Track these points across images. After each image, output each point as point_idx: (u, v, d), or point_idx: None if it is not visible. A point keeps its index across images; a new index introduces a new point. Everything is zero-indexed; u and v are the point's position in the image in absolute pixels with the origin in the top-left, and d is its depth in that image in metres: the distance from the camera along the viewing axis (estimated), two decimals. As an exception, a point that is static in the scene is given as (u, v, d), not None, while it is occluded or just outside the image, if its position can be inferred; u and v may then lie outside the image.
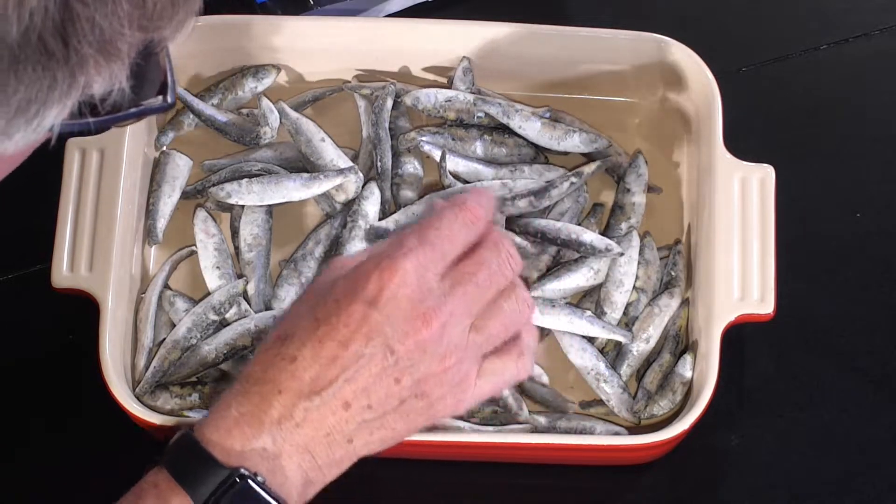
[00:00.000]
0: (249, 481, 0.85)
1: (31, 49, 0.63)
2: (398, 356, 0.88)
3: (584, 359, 1.08)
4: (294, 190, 1.11)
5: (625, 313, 1.11)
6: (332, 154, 1.13)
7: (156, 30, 0.66)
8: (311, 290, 0.91)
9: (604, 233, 1.13)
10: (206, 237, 1.12)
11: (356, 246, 1.10)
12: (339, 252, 1.10)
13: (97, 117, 0.68)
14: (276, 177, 1.12)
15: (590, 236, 1.10)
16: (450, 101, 1.14)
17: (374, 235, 1.10)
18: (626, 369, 1.09)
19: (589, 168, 1.13)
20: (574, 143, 1.14)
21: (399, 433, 0.90)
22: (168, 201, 1.14)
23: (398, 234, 0.91)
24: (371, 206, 1.12)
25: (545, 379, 1.09)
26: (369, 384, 0.88)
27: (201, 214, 1.13)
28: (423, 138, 1.14)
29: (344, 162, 1.13)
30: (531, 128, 1.14)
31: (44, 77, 0.64)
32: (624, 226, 1.12)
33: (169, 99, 0.73)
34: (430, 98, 1.14)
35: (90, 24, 0.63)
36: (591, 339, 1.09)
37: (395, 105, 1.15)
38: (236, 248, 1.13)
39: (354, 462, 0.90)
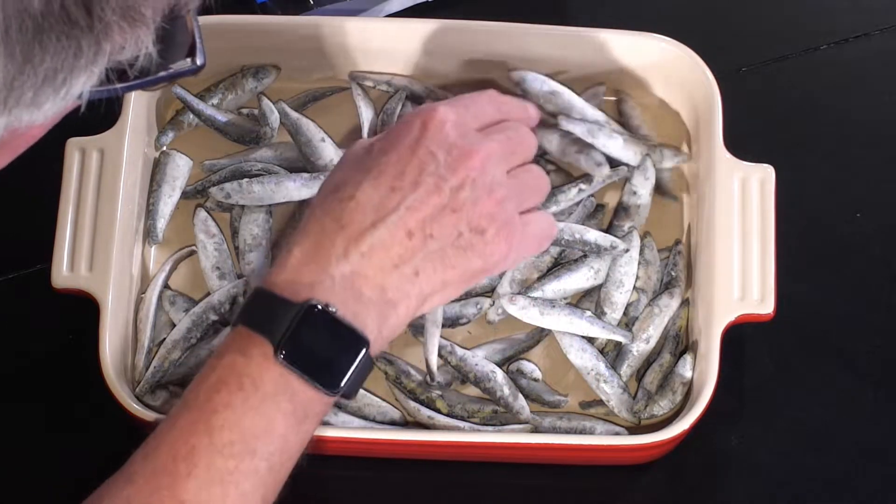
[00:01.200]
0: (323, 312, 0.86)
1: (54, 18, 0.63)
2: (451, 185, 0.92)
3: (584, 359, 1.08)
4: (294, 190, 1.11)
5: (625, 313, 1.10)
6: (331, 154, 1.13)
7: None
8: (345, 158, 0.95)
9: (605, 233, 1.12)
10: (206, 237, 1.12)
11: None
12: None
13: (125, 83, 0.68)
14: (276, 177, 1.12)
15: (593, 234, 1.10)
16: (553, 93, 1.14)
17: None
18: (626, 369, 1.09)
19: (600, 176, 1.12)
20: (657, 158, 1.14)
21: (459, 275, 0.92)
22: (168, 201, 1.14)
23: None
24: None
25: (537, 374, 1.09)
26: (428, 213, 0.91)
27: (201, 214, 1.13)
28: None
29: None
30: (614, 145, 1.13)
31: (69, 46, 0.64)
32: (626, 226, 1.12)
33: (198, 61, 0.73)
34: (537, 83, 1.14)
35: None
36: (591, 340, 1.09)
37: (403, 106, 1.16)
38: (236, 248, 1.13)
39: (422, 307, 0.92)
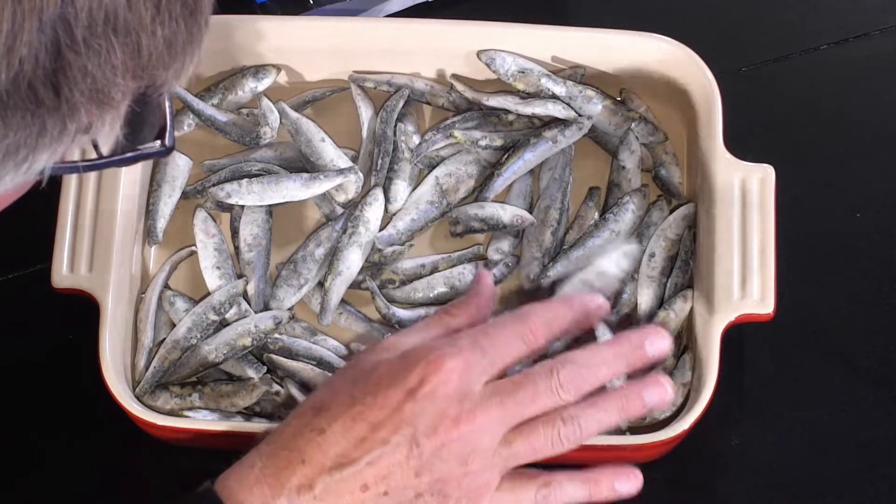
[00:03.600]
0: None
1: (20, 96, 0.62)
2: (423, 450, 0.89)
3: None
4: (294, 190, 1.11)
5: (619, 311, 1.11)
6: (332, 154, 1.13)
7: (151, 78, 0.65)
8: (354, 364, 0.94)
9: (603, 212, 1.13)
10: (206, 237, 1.12)
11: (354, 252, 1.10)
12: (337, 257, 1.10)
13: (90, 161, 0.68)
14: (276, 177, 1.12)
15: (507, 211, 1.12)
16: (523, 71, 1.14)
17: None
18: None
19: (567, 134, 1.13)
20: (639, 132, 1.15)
21: None
22: (168, 201, 1.13)
23: (453, 335, 0.92)
24: (373, 212, 1.12)
25: None
26: (390, 472, 0.89)
27: (201, 214, 1.13)
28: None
29: (344, 162, 1.13)
30: (592, 109, 1.14)
31: (33, 124, 0.63)
32: (625, 198, 1.13)
33: (167, 143, 0.72)
34: (507, 62, 1.14)
35: (82, 74, 0.62)
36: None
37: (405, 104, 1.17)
38: (236, 248, 1.13)
39: None
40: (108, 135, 0.66)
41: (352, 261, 1.11)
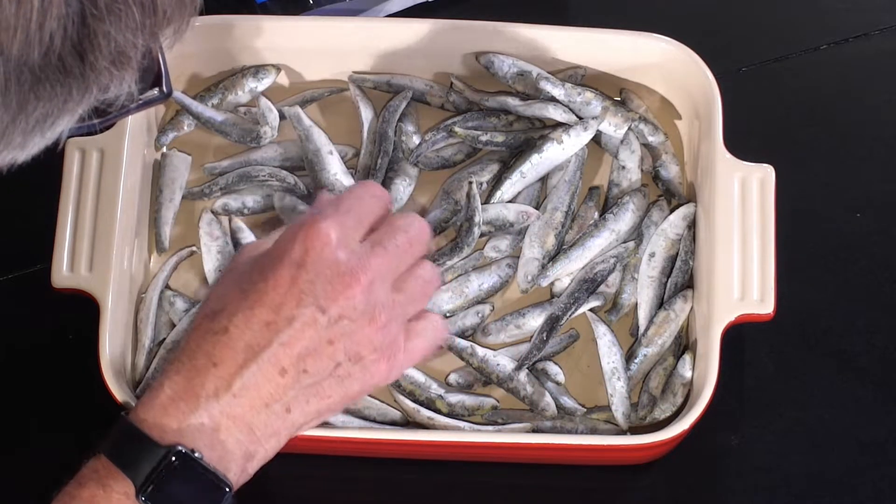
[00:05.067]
0: (187, 458, 0.85)
1: (51, 69, 0.64)
2: (330, 316, 0.88)
3: (612, 352, 1.08)
4: None
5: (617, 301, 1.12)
6: (336, 168, 1.13)
7: (164, 34, 0.67)
8: (230, 269, 0.92)
9: (603, 212, 1.13)
10: (210, 240, 1.12)
11: None
12: None
13: (103, 117, 0.69)
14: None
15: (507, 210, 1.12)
16: (522, 74, 1.14)
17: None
18: (633, 371, 1.09)
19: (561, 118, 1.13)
20: (638, 132, 1.15)
21: (335, 402, 0.90)
22: (170, 205, 1.13)
23: (313, 209, 0.93)
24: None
25: (561, 378, 1.09)
26: (304, 348, 0.88)
27: (206, 217, 1.13)
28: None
29: (347, 178, 1.13)
30: (591, 112, 1.14)
31: (61, 93, 0.65)
32: (625, 199, 1.13)
33: (165, 89, 0.73)
34: (505, 65, 1.14)
35: (106, 39, 0.64)
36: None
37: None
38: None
39: (293, 435, 0.90)
40: (121, 91, 0.67)
41: None
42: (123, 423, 0.87)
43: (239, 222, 1.13)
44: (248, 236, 1.12)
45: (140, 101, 0.72)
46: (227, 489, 0.86)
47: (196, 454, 0.85)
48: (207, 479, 0.86)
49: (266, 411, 0.88)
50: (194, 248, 1.13)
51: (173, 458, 0.85)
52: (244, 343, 0.87)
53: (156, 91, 0.73)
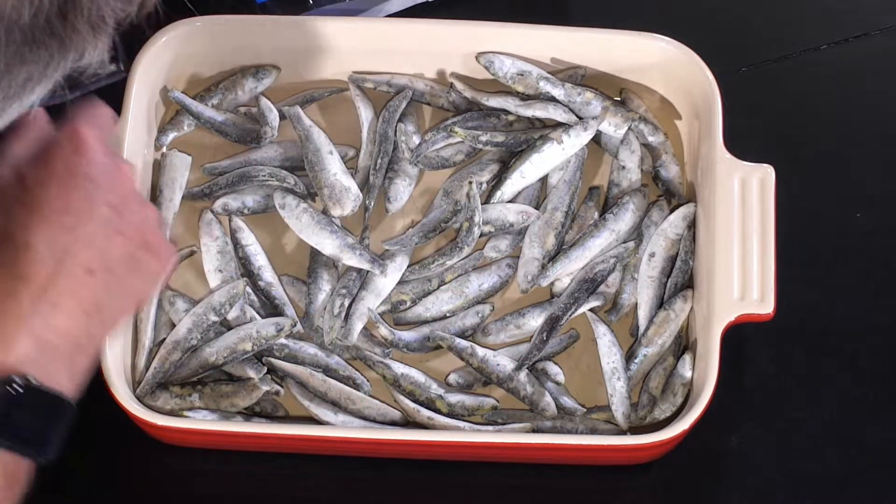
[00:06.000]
0: (22, 387, 0.83)
1: (38, 30, 0.64)
2: (115, 208, 0.89)
3: (612, 352, 1.09)
4: (328, 244, 1.11)
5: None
6: (336, 168, 1.13)
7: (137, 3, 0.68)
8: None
9: (603, 212, 1.14)
10: (210, 240, 1.12)
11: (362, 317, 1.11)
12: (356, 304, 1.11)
13: (73, 90, 0.70)
14: (321, 220, 1.11)
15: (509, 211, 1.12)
16: (522, 74, 1.14)
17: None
18: (633, 371, 1.09)
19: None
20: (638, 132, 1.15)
21: (140, 292, 0.91)
22: (170, 206, 1.13)
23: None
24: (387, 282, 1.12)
25: (561, 378, 1.09)
26: (102, 245, 0.88)
27: (206, 217, 1.13)
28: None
29: (347, 179, 1.12)
30: (591, 112, 1.14)
31: (44, 57, 0.65)
32: (624, 198, 1.13)
33: (121, 66, 0.74)
34: (505, 65, 1.14)
35: (89, 1, 0.65)
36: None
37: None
38: (239, 257, 1.13)
39: (103, 339, 0.90)
40: (94, 58, 0.69)
41: (383, 285, 1.12)
42: None
43: (239, 222, 1.13)
44: (247, 236, 1.12)
45: (103, 75, 0.73)
46: (67, 406, 0.85)
47: (30, 379, 0.83)
48: (45, 402, 0.84)
49: (84, 317, 0.86)
50: (194, 248, 1.13)
51: (9, 391, 0.83)
52: (48, 253, 0.86)
53: (113, 66, 0.73)
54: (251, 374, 1.08)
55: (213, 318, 1.09)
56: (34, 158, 0.89)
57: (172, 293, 1.11)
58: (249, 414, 1.08)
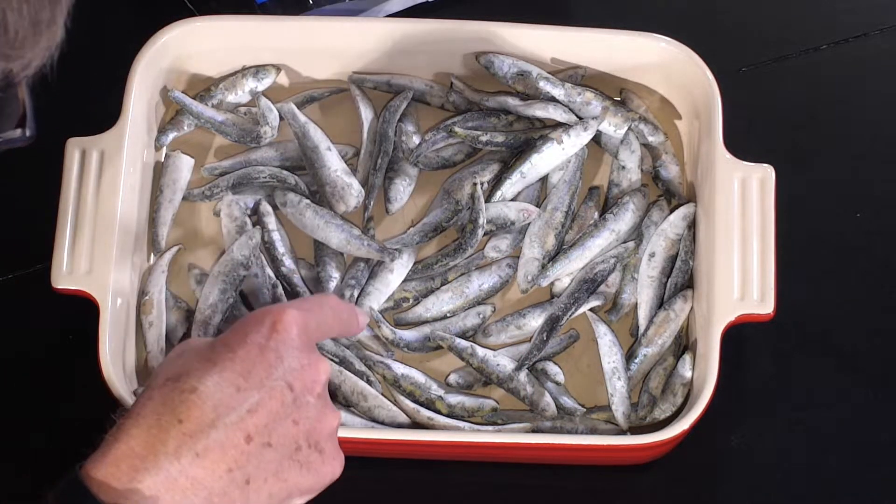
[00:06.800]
0: None
1: None
2: (296, 394, 0.88)
3: (612, 352, 1.09)
4: (333, 238, 1.11)
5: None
6: (335, 164, 1.13)
7: (18, 58, 0.64)
8: (186, 346, 0.91)
9: (603, 212, 1.14)
10: (230, 221, 1.13)
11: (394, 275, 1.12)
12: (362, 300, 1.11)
13: None
14: (327, 215, 1.11)
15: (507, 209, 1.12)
16: (522, 74, 1.14)
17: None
18: (633, 371, 1.09)
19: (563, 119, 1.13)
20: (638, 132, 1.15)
21: (289, 488, 0.88)
22: (169, 206, 1.13)
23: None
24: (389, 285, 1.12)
25: (560, 378, 1.09)
26: (270, 420, 0.87)
27: (227, 199, 1.13)
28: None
29: (346, 175, 1.13)
30: (591, 112, 1.14)
31: None
32: (624, 199, 1.13)
33: (28, 132, 0.71)
34: (505, 65, 1.14)
35: None
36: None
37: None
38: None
39: None
40: None
41: (390, 280, 1.12)
42: (74, 481, 0.83)
43: (266, 206, 1.13)
44: (272, 221, 1.12)
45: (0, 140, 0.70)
46: None
47: None
48: None
49: (227, 477, 0.85)
50: (181, 246, 1.13)
51: None
52: (213, 402, 0.85)
53: (18, 131, 0.71)
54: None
55: (243, 272, 1.09)
56: (234, 326, 0.90)
57: (199, 271, 1.11)
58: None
